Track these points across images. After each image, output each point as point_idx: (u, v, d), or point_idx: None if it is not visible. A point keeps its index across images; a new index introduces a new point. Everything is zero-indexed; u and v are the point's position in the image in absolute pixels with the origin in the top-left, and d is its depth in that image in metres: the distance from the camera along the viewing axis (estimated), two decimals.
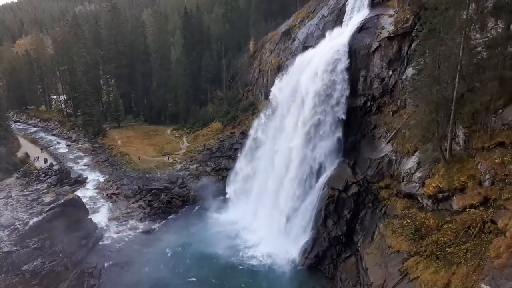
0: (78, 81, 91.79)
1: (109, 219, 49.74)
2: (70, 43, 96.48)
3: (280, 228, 43.23)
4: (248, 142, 55.58)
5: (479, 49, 28.48)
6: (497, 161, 26.75)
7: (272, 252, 41.40)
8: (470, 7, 26.80)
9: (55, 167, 66.05)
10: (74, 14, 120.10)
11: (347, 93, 41.40)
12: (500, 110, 28.58)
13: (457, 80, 28.01)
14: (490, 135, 28.48)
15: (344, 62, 41.25)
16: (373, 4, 43.95)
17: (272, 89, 51.66)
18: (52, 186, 57.11)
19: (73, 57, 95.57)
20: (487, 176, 27.39)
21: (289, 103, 45.99)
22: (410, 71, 37.54)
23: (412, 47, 38.10)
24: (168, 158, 66.51)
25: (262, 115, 55.28)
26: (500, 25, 27.94)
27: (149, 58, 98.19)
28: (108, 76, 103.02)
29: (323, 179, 41.59)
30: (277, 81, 51.25)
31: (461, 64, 27.68)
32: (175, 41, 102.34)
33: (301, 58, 47.69)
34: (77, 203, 45.86)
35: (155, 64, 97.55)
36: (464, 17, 26.95)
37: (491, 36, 28.12)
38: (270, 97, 51.71)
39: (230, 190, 54.72)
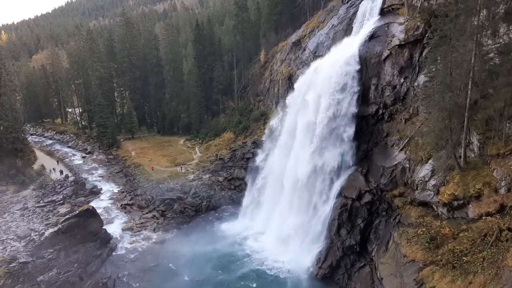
0: (93, 94, 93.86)
1: (123, 230, 50.08)
2: (85, 57, 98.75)
3: (293, 237, 42.99)
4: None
5: (491, 55, 28.20)
6: None
7: (285, 261, 41.13)
8: (481, 14, 26.67)
9: (71, 179, 67.27)
10: (89, 29, 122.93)
11: (358, 100, 41.34)
12: None
13: (469, 86, 27.78)
14: (505, 142, 28.13)
15: (354, 71, 41.30)
16: (382, 13, 43.99)
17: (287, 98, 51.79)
18: (68, 197, 58.04)
19: (87, 70, 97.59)
20: (503, 183, 26.97)
21: (299, 110, 46.01)
22: (422, 78, 37.33)
23: (424, 54, 37.95)
24: (181, 168, 67.00)
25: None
26: None
27: (162, 70, 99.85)
28: (122, 89, 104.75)
29: (336, 187, 41.31)
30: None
31: (473, 70, 27.48)
32: (187, 53, 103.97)
33: (311, 69, 47.73)
34: (92, 214, 46.01)
35: (168, 76, 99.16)
36: (475, 23, 26.83)
37: (503, 42, 27.87)
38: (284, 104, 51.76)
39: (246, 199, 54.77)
